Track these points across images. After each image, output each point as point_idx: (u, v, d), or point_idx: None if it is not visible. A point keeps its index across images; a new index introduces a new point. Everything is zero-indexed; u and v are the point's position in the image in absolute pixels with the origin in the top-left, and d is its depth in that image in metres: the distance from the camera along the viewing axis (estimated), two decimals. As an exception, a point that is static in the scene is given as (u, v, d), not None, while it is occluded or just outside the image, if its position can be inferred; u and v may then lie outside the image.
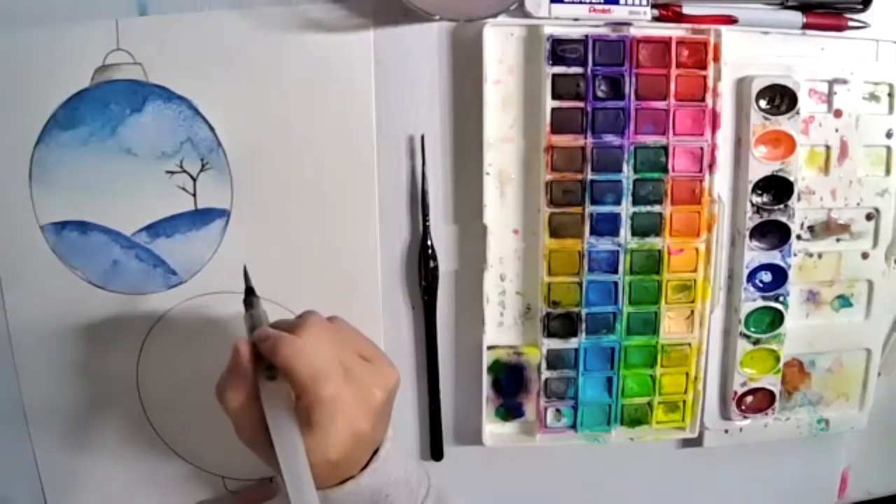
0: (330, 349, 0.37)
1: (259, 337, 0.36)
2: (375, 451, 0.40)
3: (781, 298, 0.52)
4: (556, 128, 0.48)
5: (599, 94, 0.48)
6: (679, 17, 0.48)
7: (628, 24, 0.48)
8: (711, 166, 0.50)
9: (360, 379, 0.37)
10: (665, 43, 0.48)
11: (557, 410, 0.53)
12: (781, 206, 0.51)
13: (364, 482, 0.38)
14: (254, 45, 0.47)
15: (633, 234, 0.50)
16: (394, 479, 0.40)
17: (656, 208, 0.50)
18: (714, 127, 0.49)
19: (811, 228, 0.53)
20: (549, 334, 0.51)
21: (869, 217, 0.53)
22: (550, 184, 0.49)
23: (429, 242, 0.50)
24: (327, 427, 0.35)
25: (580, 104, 0.48)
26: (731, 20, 0.49)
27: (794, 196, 0.51)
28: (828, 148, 0.52)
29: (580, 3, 0.47)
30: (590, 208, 0.49)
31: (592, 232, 0.49)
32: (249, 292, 0.41)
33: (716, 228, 0.51)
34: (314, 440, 0.35)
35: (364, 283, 0.51)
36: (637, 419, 0.53)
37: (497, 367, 0.52)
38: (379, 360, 0.40)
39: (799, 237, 0.52)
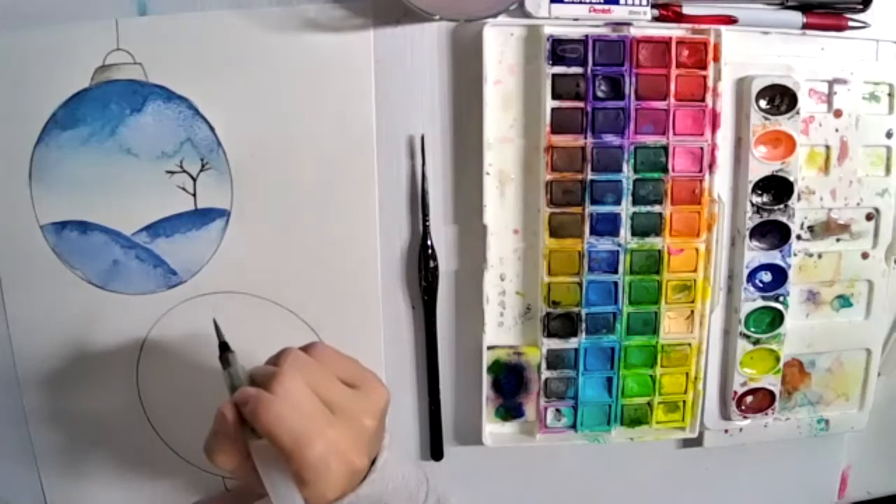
0: (308, 400, 0.36)
1: (239, 400, 0.36)
2: (373, 461, 0.40)
3: (781, 298, 0.52)
4: (556, 128, 0.48)
5: (599, 94, 0.48)
6: (679, 17, 0.48)
7: (628, 24, 0.48)
8: (711, 166, 0.50)
9: (347, 413, 0.37)
10: (665, 43, 0.48)
11: (557, 410, 0.53)
12: (781, 206, 0.51)
13: (363, 493, 0.38)
14: (254, 45, 0.47)
15: (633, 234, 0.50)
16: (392, 486, 0.40)
17: (656, 208, 0.50)
18: (714, 127, 0.49)
19: (811, 228, 0.53)
20: (549, 334, 0.51)
21: (869, 217, 0.53)
22: (550, 184, 0.49)
23: (429, 242, 0.50)
24: (322, 480, 0.35)
25: (580, 104, 0.48)
26: (731, 20, 0.49)
27: (794, 196, 0.51)
28: (828, 148, 0.52)
29: (580, 3, 0.47)
30: (590, 208, 0.49)
31: (592, 232, 0.49)
32: (224, 348, 0.39)
33: (716, 228, 0.51)
34: (311, 492, 0.35)
35: (364, 283, 0.51)
36: (637, 419, 0.53)
37: (497, 367, 0.52)
38: (365, 384, 0.39)
39: (799, 237, 0.52)
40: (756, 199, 0.51)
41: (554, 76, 0.47)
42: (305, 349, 0.39)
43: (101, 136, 0.48)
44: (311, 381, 0.37)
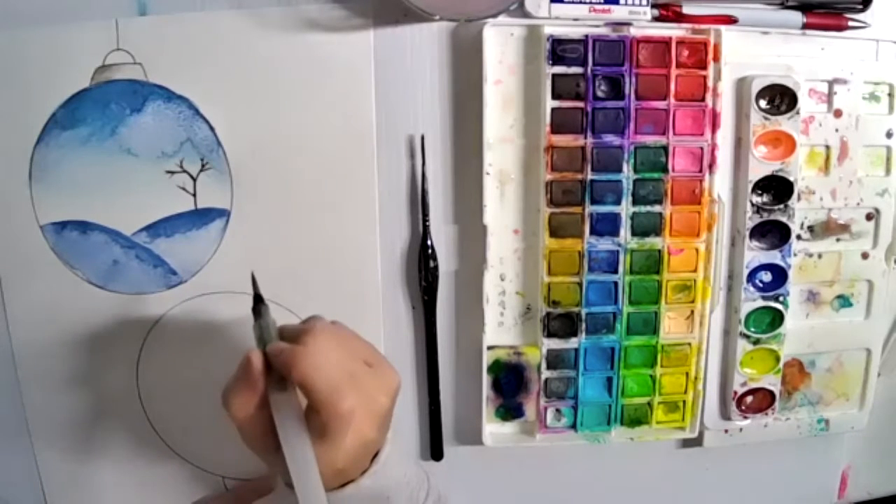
0: (340, 359, 0.37)
1: (273, 351, 0.36)
2: (375, 454, 0.40)
3: (781, 298, 0.52)
4: (556, 128, 0.48)
5: (599, 94, 0.48)
6: (679, 17, 0.48)
7: (628, 24, 0.48)
8: (711, 166, 0.50)
9: (366, 387, 0.37)
10: (665, 43, 0.48)
11: (557, 410, 0.53)
12: (781, 206, 0.51)
13: (364, 485, 0.38)
14: (254, 44, 0.47)
15: (633, 234, 0.50)
16: (394, 481, 0.40)
17: (656, 208, 0.50)
18: (714, 127, 0.49)
19: (811, 228, 0.53)
20: (549, 334, 0.51)
21: (869, 217, 0.53)
22: (550, 184, 0.49)
23: (429, 242, 0.50)
24: (340, 438, 0.35)
25: (580, 104, 0.48)
26: (731, 20, 0.49)
27: (794, 196, 0.51)
28: (828, 148, 0.52)
29: (580, 3, 0.47)
30: (590, 208, 0.49)
31: (592, 232, 0.49)
32: (258, 300, 0.39)
33: (716, 228, 0.51)
34: (325, 450, 0.35)
35: (364, 283, 0.51)
36: (637, 419, 0.53)
37: (497, 367, 0.52)
38: (381, 365, 0.40)
39: (799, 237, 0.52)
40: (756, 199, 0.51)
41: (554, 76, 0.47)
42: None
43: (101, 136, 0.48)
44: (340, 344, 0.38)
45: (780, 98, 0.50)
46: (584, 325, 0.51)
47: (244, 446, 0.38)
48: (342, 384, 0.35)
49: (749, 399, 0.54)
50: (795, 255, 0.52)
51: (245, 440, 0.38)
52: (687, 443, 0.56)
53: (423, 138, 0.49)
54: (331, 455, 0.35)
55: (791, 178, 0.50)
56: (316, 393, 0.35)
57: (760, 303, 0.52)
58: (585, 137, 0.48)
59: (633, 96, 0.48)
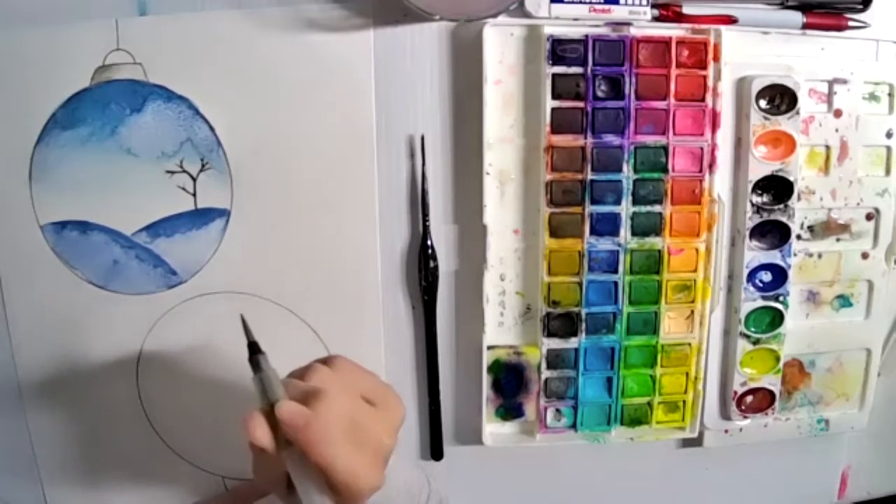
0: (346, 422, 0.35)
1: (283, 419, 0.34)
2: None
3: (781, 298, 0.52)
4: (556, 128, 0.48)
5: (599, 94, 0.48)
6: (679, 17, 0.48)
7: (628, 24, 0.48)
8: (711, 166, 0.50)
9: (371, 434, 0.36)
10: (665, 43, 0.48)
11: (557, 410, 0.53)
12: (781, 206, 0.51)
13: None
14: (254, 45, 0.47)
15: (633, 234, 0.50)
16: (394, 491, 0.40)
17: (656, 208, 0.50)
18: (714, 127, 0.49)
19: (811, 228, 0.53)
20: (549, 334, 0.51)
21: (869, 217, 0.53)
22: (550, 184, 0.49)
23: (429, 242, 0.50)
24: (355, 498, 0.35)
25: (580, 104, 0.48)
26: (731, 20, 0.49)
27: (794, 196, 0.51)
28: (828, 148, 0.52)
29: (580, 3, 0.47)
30: (590, 208, 0.49)
31: (592, 232, 0.49)
32: (254, 349, 0.36)
33: (716, 228, 0.51)
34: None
35: (364, 283, 0.51)
36: (637, 419, 0.53)
37: (497, 367, 0.52)
38: (384, 401, 0.38)
39: (799, 237, 0.52)
40: (756, 199, 0.51)
41: (554, 76, 0.47)
42: (327, 362, 0.38)
43: (101, 136, 0.48)
44: (347, 398, 0.36)
45: (780, 98, 0.50)
46: (584, 325, 0.51)
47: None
48: (356, 460, 0.35)
49: (749, 399, 0.54)
50: (795, 255, 0.52)
51: (256, 478, 0.37)
52: (687, 443, 0.56)
53: (423, 138, 0.49)
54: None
55: (791, 178, 0.50)
56: (334, 475, 0.34)
57: (760, 303, 0.52)
58: (585, 137, 0.48)
59: (633, 96, 0.48)
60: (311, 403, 0.34)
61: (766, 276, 0.52)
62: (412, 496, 0.42)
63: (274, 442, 0.34)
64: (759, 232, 0.51)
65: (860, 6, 0.50)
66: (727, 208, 0.52)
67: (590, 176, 0.49)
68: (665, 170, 0.49)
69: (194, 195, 0.49)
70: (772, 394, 0.54)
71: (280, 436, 0.34)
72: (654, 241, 0.50)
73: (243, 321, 0.37)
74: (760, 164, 0.50)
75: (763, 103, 0.50)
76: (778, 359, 0.53)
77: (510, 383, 0.52)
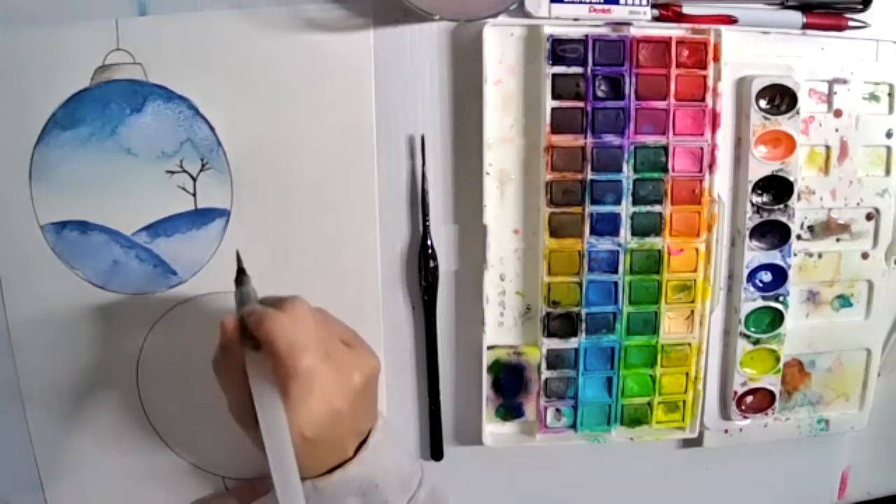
0: (311, 328, 0.37)
1: (246, 311, 0.37)
2: (365, 441, 0.40)
3: (781, 298, 0.52)
4: (556, 128, 0.48)
5: (599, 93, 0.48)
6: (679, 17, 0.48)
7: (628, 23, 0.48)
8: (711, 166, 0.50)
9: (339, 360, 0.38)
10: (665, 43, 0.48)
11: (557, 410, 0.53)
12: (781, 206, 0.51)
13: (352, 471, 0.39)
14: (254, 45, 0.47)
15: (633, 234, 0.50)
16: (383, 469, 0.41)
17: (656, 208, 0.50)
18: (714, 127, 0.49)
19: (811, 228, 0.53)
20: (549, 334, 0.51)
21: (869, 217, 0.53)
22: (550, 184, 0.49)
23: (429, 242, 0.50)
24: (302, 400, 0.36)
25: (580, 104, 0.48)
26: (731, 20, 0.49)
27: (794, 196, 0.51)
28: (828, 148, 0.52)
29: (580, 2, 0.47)
30: (590, 208, 0.49)
31: (592, 232, 0.49)
32: (241, 272, 0.41)
33: (716, 228, 0.51)
34: (289, 413, 0.35)
35: (364, 283, 0.51)
36: (637, 419, 0.53)
37: (497, 367, 0.52)
38: (359, 347, 0.41)
39: (799, 237, 0.52)
40: (756, 199, 0.51)
41: (554, 76, 0.47)
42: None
43: (101, 136, 0.48)
44: (316, 319, 0.38)
45: (780, 98, 0.50)
46: (584, 325, 0.51)
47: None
48: (304, 345, 0.36)
49: (749, 399, 0.54)
50: (795, 255, 0.52)
51: (231, 410, 0.38)
52: (687, 443, 0.56)
53: (423, 138, 0.49)
54: (294, 417, 0.35)
55: (791, 178, 0.50)
56: (275, 348, 0.35)
57: (760, 303, 0.52)
58: (585, 137, 0.48)
59: (633, 96, 0.48)
60: (279, 305, 0.37)
61: (766, 276, 0.52)
62: (403, 478, 0.42)
63: (240, 337, 0.37)
64: (759, 232, 0.51)
65: (860, 6, 0.50)
66: (727, 208, 0.52)
67: (590, 176, 0.49)
68: (665, 170, 0.49)
69: (194, 195, 0.49)
70: (772, 394, 0.54)
71: (247, 343, 0.37)
72: (654, 241, 0.50)
73: (237, 255, 0.41)
74: (760, 164, 0.50)
75: (763, 103, 0.50)
76: (778, 359, 0.53)
77: (510, 383, 0.52)
